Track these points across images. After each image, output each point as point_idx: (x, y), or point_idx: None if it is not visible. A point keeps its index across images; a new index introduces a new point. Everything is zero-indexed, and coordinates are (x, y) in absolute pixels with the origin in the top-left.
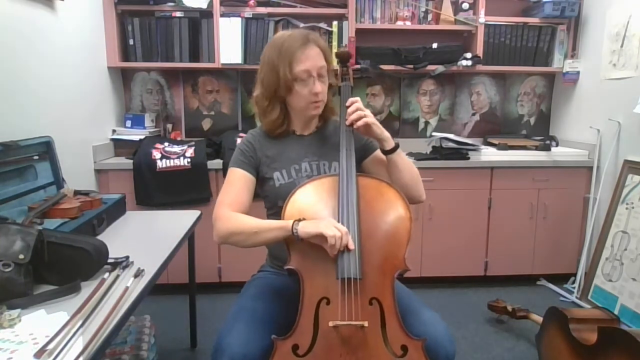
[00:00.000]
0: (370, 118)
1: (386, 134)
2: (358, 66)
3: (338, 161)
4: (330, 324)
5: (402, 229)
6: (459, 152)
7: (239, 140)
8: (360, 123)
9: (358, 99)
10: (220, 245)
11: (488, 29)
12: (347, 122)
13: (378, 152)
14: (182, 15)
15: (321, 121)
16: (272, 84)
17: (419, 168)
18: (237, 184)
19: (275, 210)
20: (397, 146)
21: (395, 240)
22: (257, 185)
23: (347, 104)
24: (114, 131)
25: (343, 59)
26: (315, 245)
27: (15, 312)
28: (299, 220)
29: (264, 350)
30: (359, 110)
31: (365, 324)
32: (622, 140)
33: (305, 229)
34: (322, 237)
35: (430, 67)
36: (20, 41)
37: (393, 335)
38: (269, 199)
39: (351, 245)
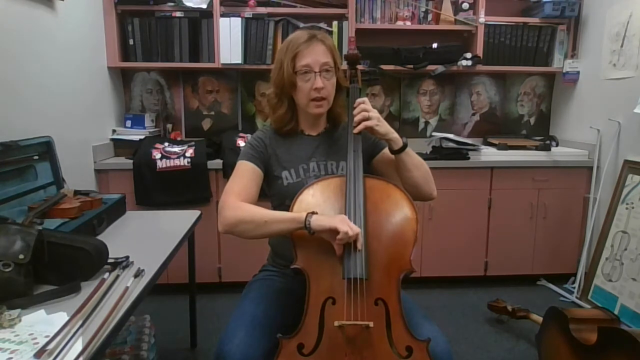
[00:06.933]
0: (373, 121)
1: (393, 134)
2: (367, 68)
3: (345, 161)
4: (336, 323)
5: (408, 230)
6: (459, 152)
7: (239, 140)
8: (360, 127)
9: (365, 99)
10: (224, 234)
11: (488, 29)
12: (354, 123)
13: (387, 151)
14: (182, 15)
15: (330, 123)
16: (279, 81)
17: None
18: (246, 176)
19: (282, 209)
20: (405, 146)
21: (401, 241)
22: (265, 183)
23: (354, 104)
24: (114, 131)
25: (352, 61)
26: (322, 244)
27: (15, 312)
28: (312, 213)
29: (266, 355)
30: (364, 111)
31: (371, 324)
32: (622, 140)
33: (318, 221)
34: (334, 232)
35: (430, 67)
36: (21, 41)
37: (398, 336)
38: (277, 197)
39: (360, 246)
